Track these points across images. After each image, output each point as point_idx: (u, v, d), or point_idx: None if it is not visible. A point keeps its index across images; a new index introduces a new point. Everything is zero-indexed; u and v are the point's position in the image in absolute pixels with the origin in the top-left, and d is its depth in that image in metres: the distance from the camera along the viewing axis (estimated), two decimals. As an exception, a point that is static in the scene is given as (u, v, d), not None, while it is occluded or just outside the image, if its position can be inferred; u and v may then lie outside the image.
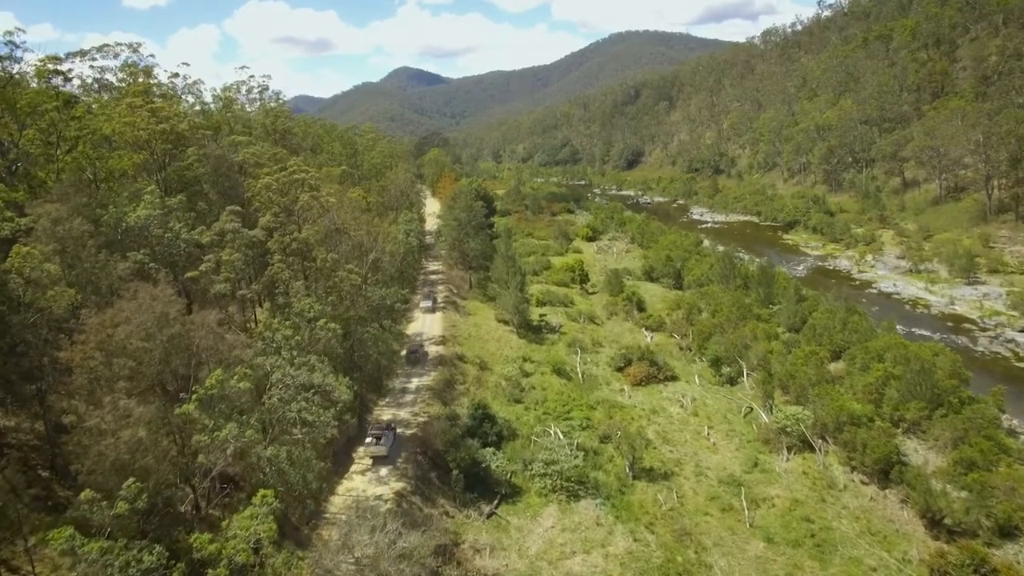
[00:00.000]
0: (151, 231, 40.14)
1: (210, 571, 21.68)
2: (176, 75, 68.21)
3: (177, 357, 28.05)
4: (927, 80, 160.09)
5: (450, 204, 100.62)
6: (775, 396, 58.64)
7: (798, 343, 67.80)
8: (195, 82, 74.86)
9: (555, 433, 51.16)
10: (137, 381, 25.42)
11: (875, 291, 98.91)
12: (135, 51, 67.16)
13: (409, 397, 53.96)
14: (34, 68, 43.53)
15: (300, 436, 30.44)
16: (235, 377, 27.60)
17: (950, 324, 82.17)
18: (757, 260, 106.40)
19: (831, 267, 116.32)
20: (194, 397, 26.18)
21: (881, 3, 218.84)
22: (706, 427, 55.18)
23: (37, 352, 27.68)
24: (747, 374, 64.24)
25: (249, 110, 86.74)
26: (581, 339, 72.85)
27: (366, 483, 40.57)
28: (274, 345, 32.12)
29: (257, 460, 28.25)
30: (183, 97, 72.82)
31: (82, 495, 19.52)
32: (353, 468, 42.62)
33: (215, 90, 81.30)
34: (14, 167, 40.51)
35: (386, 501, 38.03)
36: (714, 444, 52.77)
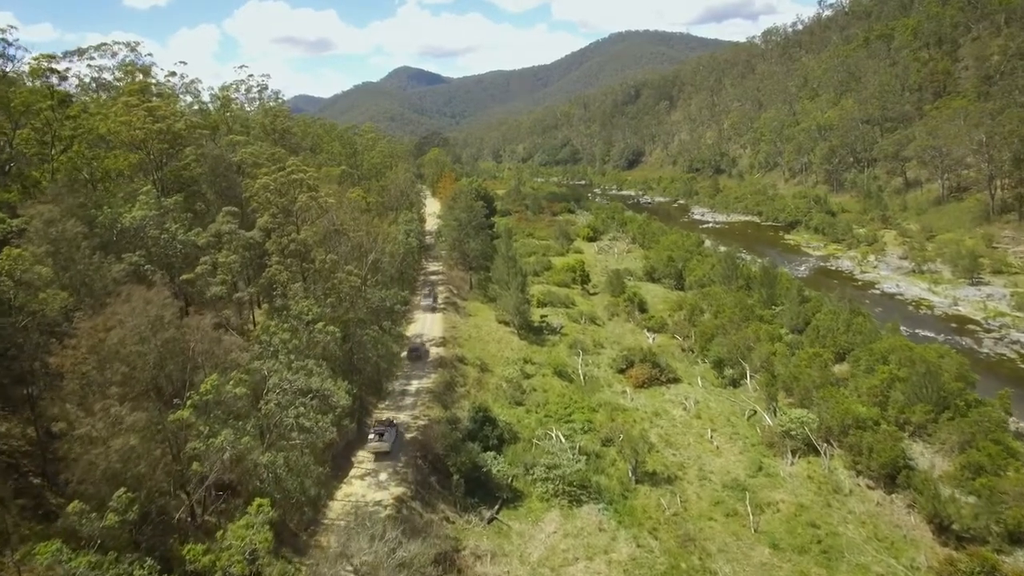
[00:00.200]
0: (147, 232, 39.51)
1: (204, 583, 21.10)
2: (173, 74, 67.63)
3: (172, 361, 27.42)
4: (929, 80, 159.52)
5: (450, 204, 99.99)
6: (779, 398, 58.02)
7: (801, 345, 67.27)
8: (193, 81, 74.31)
9: (557, 436, 50.55)
10: (130, 387, 24.76)
11: (878, 292, 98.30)
12: (133, 50, 66.65)
13: (409, 400, 53.32)
14: (29, 67, 42.96)
15: (298, 442, 29.80)
16: (231, 382, 26.98)
17: (954, 325, 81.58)
18: (759, 260, 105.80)
19: (833, 267, 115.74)
20: (189, 403, 25.57)
21: (882, 2, 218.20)
22: (709, 430, 54.56)
23: (28, 356, 27.05)
24: (750, 376, 63.64)
25: (248, 109, 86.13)
26: (582, 340, 72.24)
27: (365, 488, 39.92)
28: (271, 349, 31.45)
29: (254, 467, 27.62)
30: (181, 96, 72.21)
31: (70, 507, 18.89)
32: (352, 472, 41.94)
33: (212, 89, 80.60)
34: (7, 167, 39.89)
35: (386, 507, 37.42)
36: (717, 447, 52.15)
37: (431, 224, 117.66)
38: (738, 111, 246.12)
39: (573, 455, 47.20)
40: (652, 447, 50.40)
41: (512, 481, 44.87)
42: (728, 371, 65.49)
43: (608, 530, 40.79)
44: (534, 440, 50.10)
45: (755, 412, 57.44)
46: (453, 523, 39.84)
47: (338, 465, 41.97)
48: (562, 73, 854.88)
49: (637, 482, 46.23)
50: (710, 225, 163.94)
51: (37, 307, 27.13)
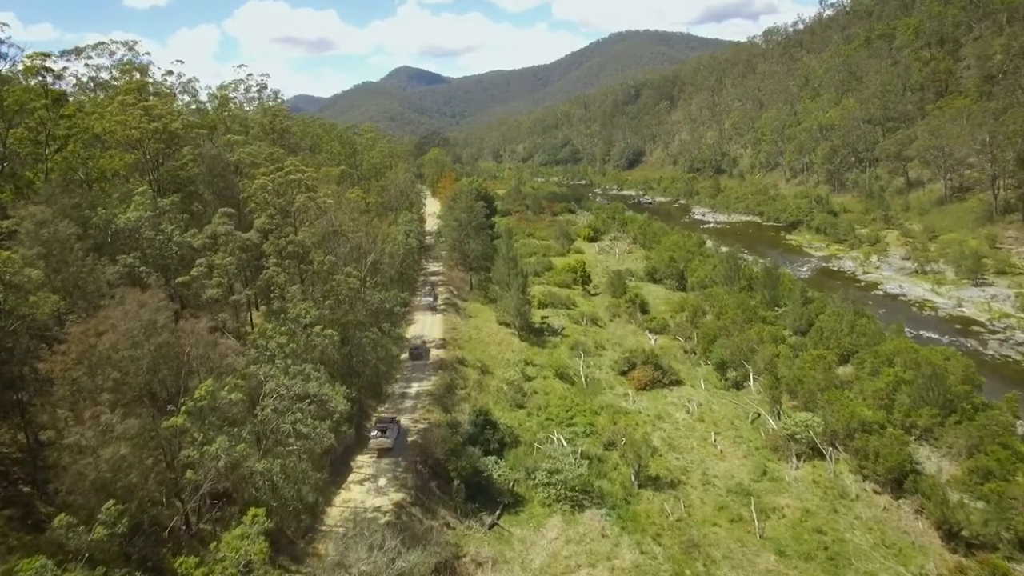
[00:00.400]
0: (142, 233, 38.84)
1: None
2: (170, 73, 66.93)
3: (166, 366, 26.76)
4: (931, 79, 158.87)
5: (450, 204, 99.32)
6: (783, 401, 57.36)
7: (805, 347, 66.55)
8: (190, 80, 73.63)
9: (558, 440, 49.88)
10: (122, 393, 24.10)
11: (881, 292, 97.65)
12: (131, 49, 66.08)
13: (409, 403, 52.65)
14: (23, 65, 42.25)
15: (295, 448, 29.14)
16: (226, 388, 26.32)
17: (958, 326, 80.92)
18: (761, 261, 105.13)
19: (835, 268, 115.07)
20: (183, 409, 24.92)
21: (883, 2, 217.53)
22: (713, 433, 53.91)
23: (18, 361, 26.39)
24: (753, 378, 63.00)
25: (247, 109, 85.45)
26: (584, 342, 71.58)
27: (364, 494, 39.27)
28: (268, 353, 30.77)
29: (249, 474, 26.95)
30: (179, 96, 71.52)
31: (56, 520, 18.21)
32: (351, 478, 41.28)
33: (210, 89, 79.96)
34: (0, 167, 39.19)
35: (385, 513, 36.78)
36: (721, 451, 51.49)
37: (431, 224, 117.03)
38: (739, 111, 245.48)
39: (575, 459, 46.54)
40: (655, 451, 49.71)
41: (513, 486, 44.22)
42: (731, 373, 64.83)
43: (611, 536, 40.12)
44: (535, 444, 49.46)
45: (759, 415, 56.79)
46: (454, 529, 39.18)
47: (336, 470, 41.31)
48: (562, 73, 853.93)
49: (640, 487, 45.58)
50: (711, 225, 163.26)
51: (27, 311, 26.47)
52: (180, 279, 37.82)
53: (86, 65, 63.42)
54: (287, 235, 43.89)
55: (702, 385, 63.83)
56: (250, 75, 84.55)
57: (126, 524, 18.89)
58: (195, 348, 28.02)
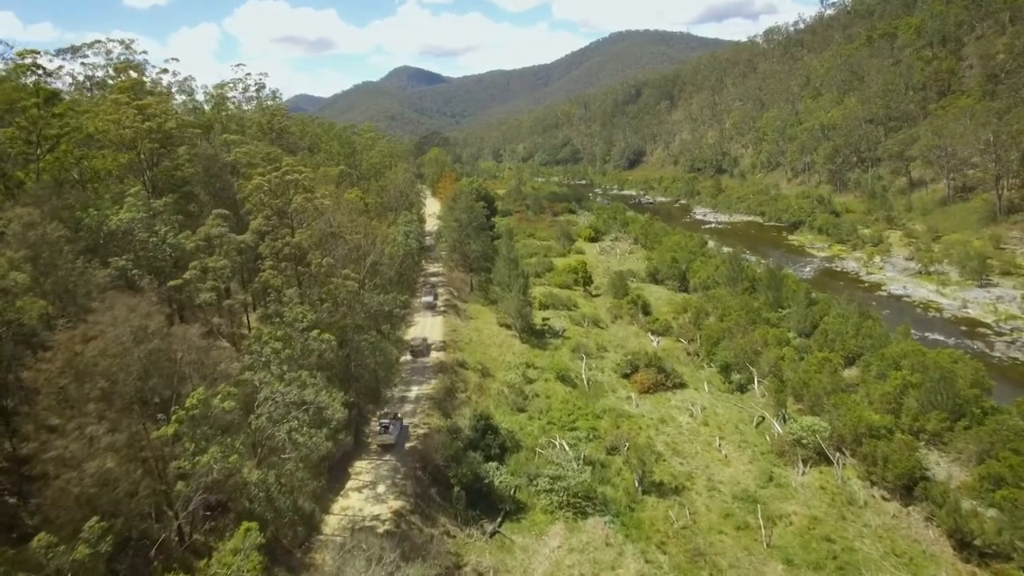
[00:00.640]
0: (135, 235, 37.96)
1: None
2: (165, 71, 65.89)
3: (157, 374, 25.85)
4: (933, 79, 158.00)
5: (450, 204, 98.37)
6: (788, 405, 56.49)
7: (810, 349, 65.66)
8: (186, 79, 72.66)
9: (560, 445, 49.01)
10: (110, 402, 23.18)
11: (885, 293, 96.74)
12: (128, 48, 65.23)
13: (408, 407, 51.75)
14: (12, 63, 41.41)
15: (291, 457, 28.23)
16: (219, 396, 25.42)
17: (964, 328, 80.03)
18: (763, 262, 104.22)
19: (838, 268, 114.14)
20: (174, 418, 24.03)
21: (885, 1, 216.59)
22: (717, 438, 53.00)
23: (3, 368, 25.50)
24: (758, 381, 62.10)
25: (246, 108, 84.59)
26: (585, 344, 70.67)
27: (363, 501, 38.36)
28: (262, 359, 29.83)
29: (244, 485, 26.05)
30: (175, 95, 70.61)
31: (35, 540, 17.29)
32: (349, 485, 40.37)
33: (206, 87, 79.01)
34: (-11, 167, 38.35)
35: (384, 522, 35.92)
36: (726, 456, 50.58)
37: (431, 225, 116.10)
38: (740, 110, 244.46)
39: (578, 464, 45.66)
40: (659, 456, 48.88)
41: (515, 492, 43.36)
42: (735, 376, 63.89)
43: (615, 544, 39.25)
44: (537, 449, 48.61)
45: (763, 419, 55.87)
46: (454, 537, 38.30)
47: (335, 477, 40.44)
48: (562, 72, 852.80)
49: (644, 493, 44.68)
50: (712, 225, 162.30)
51: (13, 316, 25.60)
52: (172, 282, 36.89)
53: (82, 64, 62.66)
54: (284, 237, 42.98)
55: (706, 388, 62.92)
56: (248, 74, 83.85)
57: (110, 542, 17.97)
58: (188, 355, 27.15)
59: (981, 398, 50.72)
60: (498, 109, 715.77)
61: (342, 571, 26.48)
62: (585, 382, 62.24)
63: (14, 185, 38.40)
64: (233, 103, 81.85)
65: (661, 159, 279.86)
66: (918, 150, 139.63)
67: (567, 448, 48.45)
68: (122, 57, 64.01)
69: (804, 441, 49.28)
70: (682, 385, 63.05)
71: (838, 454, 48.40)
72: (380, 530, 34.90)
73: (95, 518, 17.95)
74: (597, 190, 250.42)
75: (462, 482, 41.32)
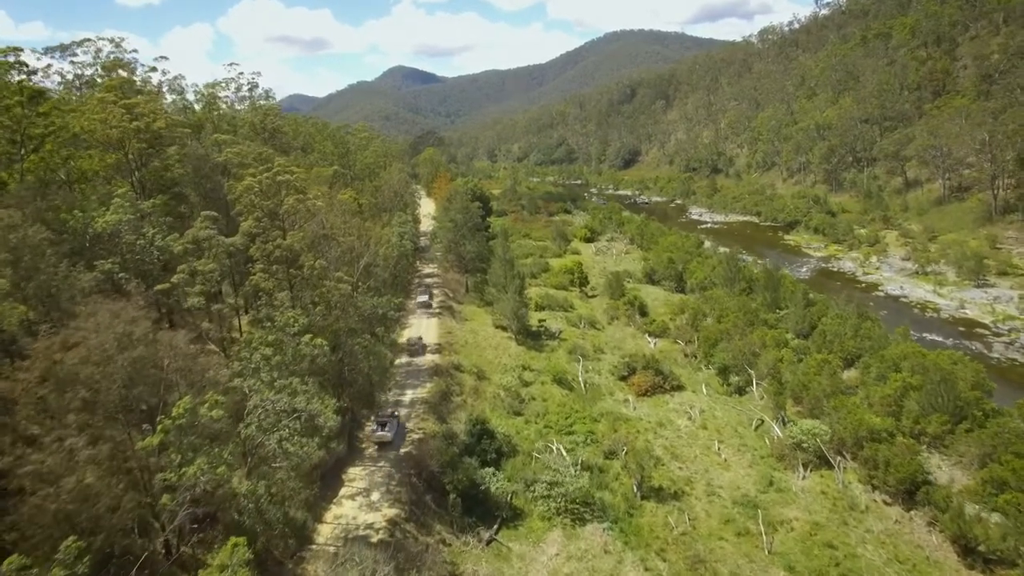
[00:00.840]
0: (122, 238, 36.99)
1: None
2: (154, 69, 64.83)
3: (142, 382, 24.94)
4: (928, 79, 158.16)
5: (445, 205, 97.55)
6: (787, 407, 55.93)
7: (808, 350, 65.15)
8: (176, 78, 71.59)
9: (557, 449, 48.27)
10: (92, 413, 22.27)
11: (882, 294, 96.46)
12: (118, 46, 64.23)
13: (403, 411, 50.82)
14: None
15: (281, 467, 27.37)
16: (207, 404, 24.54)
17: (962, 329, 79.73)
18: (760, 262, 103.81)
19: (835, 269, 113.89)
20: (160, 428, 23.15)
21: (880, 1, 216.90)
22: (716, 441, 52.35)
23: (-19, 377, 24.52)
24: (756, 383, 61.52)
25: (238, 108, 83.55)
26: (582, 346, 69.96)
27: (356, 509, 37.46)
28: (252, 366, 28.93)
29: (232, 496, 25.17)
30: (164, 94, 69.54)
31: (6, 563, 16.39)
32: (343, 492, 39.43)
33: (197, 86, 77.96)
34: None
35: (378, 530, 35.06)
36: (725, 460, 49.94)
37: (426, 225, 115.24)
38: (735, 110, 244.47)
39: (575, 469, 44.94)
40: (657, 460, 48.17)
41: (511, 498, 42.51)
42: (733, 378, 63.31)
43: (614, 552, 38.52)
44: (534, 453, 47.80)
45: (763, 422, 55.28)
46: (450, 545, 37.47)
47: (328, 484, 39.53)
48: (557, 72, 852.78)
49: (643, 498, 43.98)
50: (708, 225, 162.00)
51: (-9, 323, 24.68)
52: (160, 286, 35.94)
53: (71, 63, 61.63)
54: (275, 239, 42.01)
55: (704, 391, 62.31)
56: (241, 74, 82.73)
57: (87, 563, 17.10)
58: (174, 362, 26.26)
59: (982, 400, 50.26)
60: (493, 109, 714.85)
61: (334, 585, 25.64)
62: (582, 385, 61.52)
63: (-3, 186, 37.41)
64: (225, 103, 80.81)
65: (656, 159, 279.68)
66: (913, 150, 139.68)
67: (564, 453, 47.74)
68: (112, 56, 63.06)
69: (804, 445, 48.70)
70: (680, 387, 62.39)
71: (839, 458, 47.82)
72: (374, 539, 34.07)
73: (72, 538, 17.04)
74: (592, 190, 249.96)
75: (458, 488, 40.49)
